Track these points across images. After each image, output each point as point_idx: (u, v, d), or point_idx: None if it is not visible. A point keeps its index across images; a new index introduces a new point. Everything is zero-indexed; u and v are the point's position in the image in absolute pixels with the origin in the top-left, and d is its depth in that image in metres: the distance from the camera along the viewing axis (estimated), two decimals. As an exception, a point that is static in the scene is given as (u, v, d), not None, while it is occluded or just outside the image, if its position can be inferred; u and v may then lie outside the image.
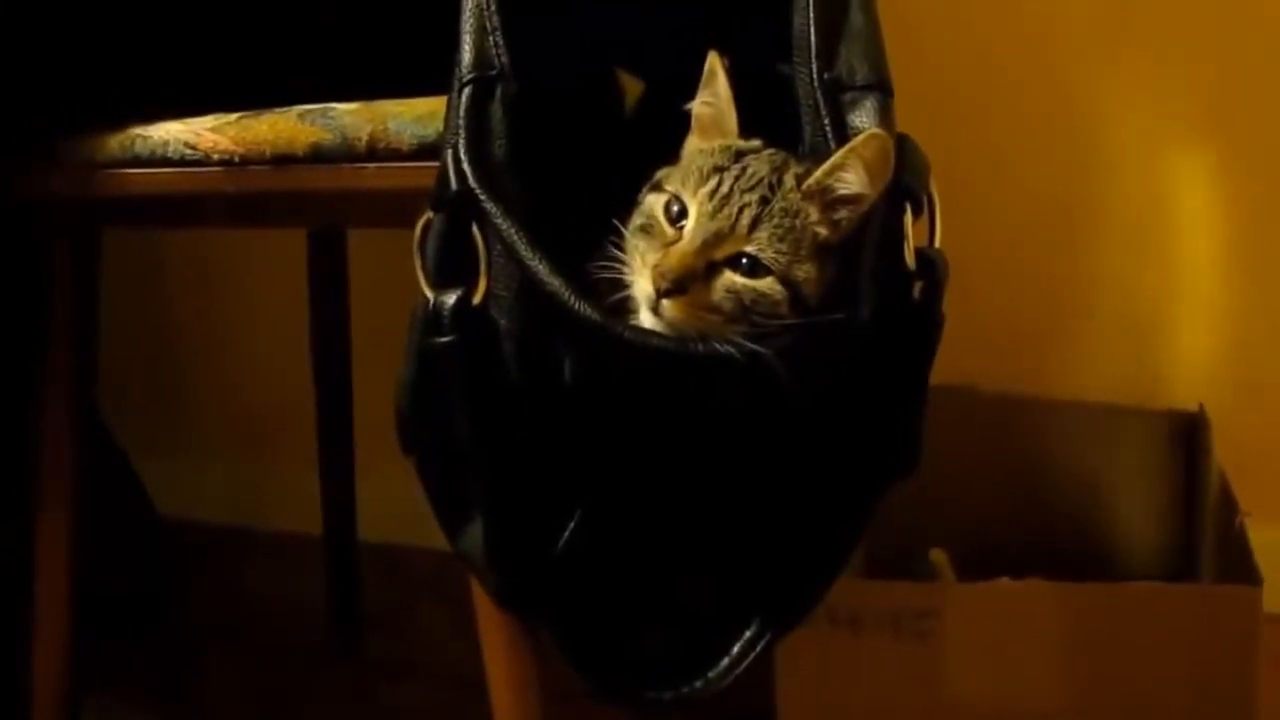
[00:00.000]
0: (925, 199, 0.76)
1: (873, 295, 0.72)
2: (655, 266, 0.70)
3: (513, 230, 0.70)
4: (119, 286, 1.53)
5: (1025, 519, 1.37)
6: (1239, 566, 1.10)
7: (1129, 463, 1.37)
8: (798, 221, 0.72)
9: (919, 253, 0.75)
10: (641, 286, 0.71)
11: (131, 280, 1.73)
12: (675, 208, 0.73)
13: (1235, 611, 1.05)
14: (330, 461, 1.45)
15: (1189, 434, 1.35)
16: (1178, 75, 1.46)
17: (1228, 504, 1.19)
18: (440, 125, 0.80)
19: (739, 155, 0.74)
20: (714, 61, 0.76)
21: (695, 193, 0.72)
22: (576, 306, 0.68)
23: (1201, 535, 1.28)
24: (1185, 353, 1.50)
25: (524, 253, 0.69)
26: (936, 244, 0.77)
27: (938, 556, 1.31)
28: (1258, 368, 1.48)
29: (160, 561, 1.63)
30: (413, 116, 0.90)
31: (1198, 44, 1.45)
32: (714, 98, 0.76)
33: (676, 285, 0.69)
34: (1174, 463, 1.35)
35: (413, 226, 0.75)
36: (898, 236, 0.74)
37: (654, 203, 0.74)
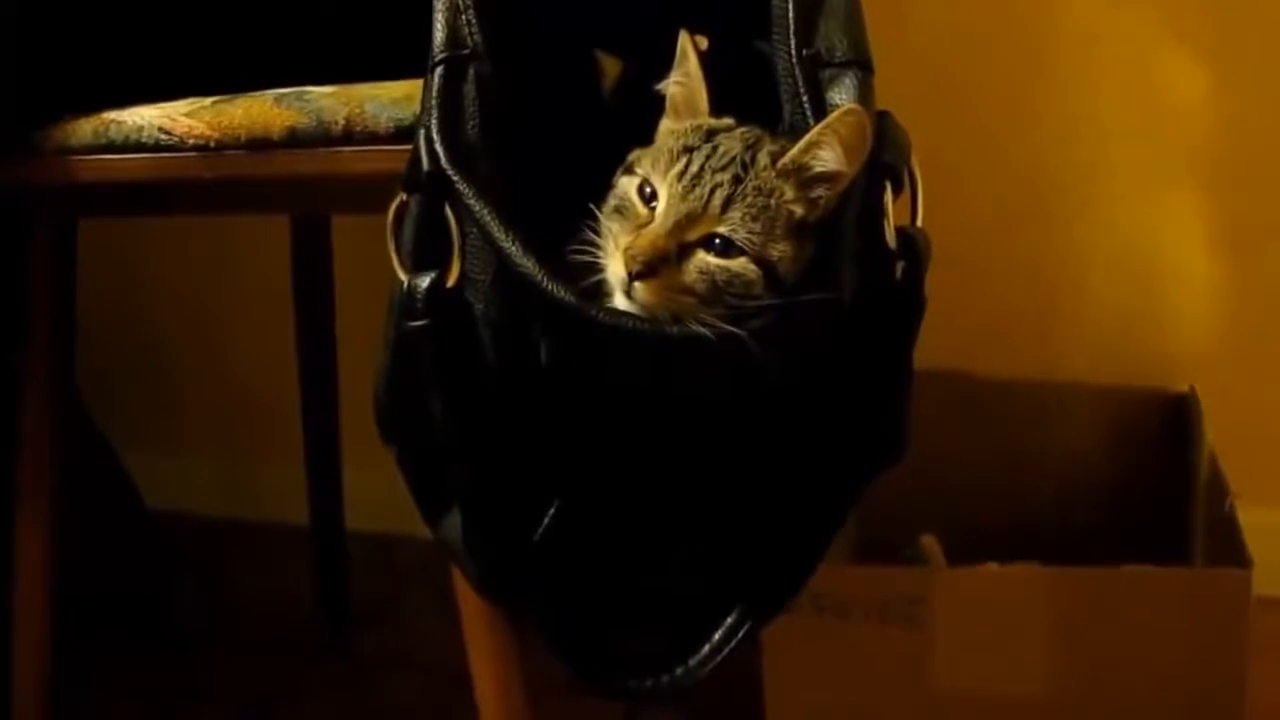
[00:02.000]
0: (906, 176, 0.75)
1: (853, 275, 0.71)
2: (626, 249, 0.69)
3: (486, 212, 0.69)
4: (104, 281, 1.53)
5: (1015, 502, 1.37)
6: (1229, 549, 1.09)
7: (1119, 445, 1.36)
8: (772, 200, 0.71)
9: (900, 231, 0.74)
10: (614, 269, 0.70)
11: (116, 275, 1.72)
12: (647, 190, 0.72)
13: (1225, 594, 1.04)
14: (316, 451, 1.44)
15: (1179, 415, 1.34)
16: (1167, 55, 1.45)
17: (1218, 486, 1.19)
18: (418, 107, 0.79)
19: (710, 134, 0.73)
20: (685, 41, 0.75)
21: (665, 174, 0.71)
22: (550, 289, 0.67)
23: (1192, 517, 1.28)
24: (1175, 334, 1.49)
25: (497, 234, 0.68)
26: (918, 223, 0.76)
27: (928, 541, 1.31)
28: (1248, 349, 1.48)
29: (149, 557, 1.62)
30: (390, 99, 0.89)
31: (1188, 22, 1.44)
32: (686, 77, 0.76)
33: (648, 267, 0.68)
34: (1164, 444, 1.35)
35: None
36: (878, 215, 0.73)
37: (626, 185, 0.73)
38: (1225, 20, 1.43)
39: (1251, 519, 1.13)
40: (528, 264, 0.67)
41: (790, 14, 0.76)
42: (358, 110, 0.89)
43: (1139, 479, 1.36)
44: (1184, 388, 1.34)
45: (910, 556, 1.30)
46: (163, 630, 1.53)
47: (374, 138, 0.88)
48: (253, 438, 1.79)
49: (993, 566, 1.12)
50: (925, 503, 1.33)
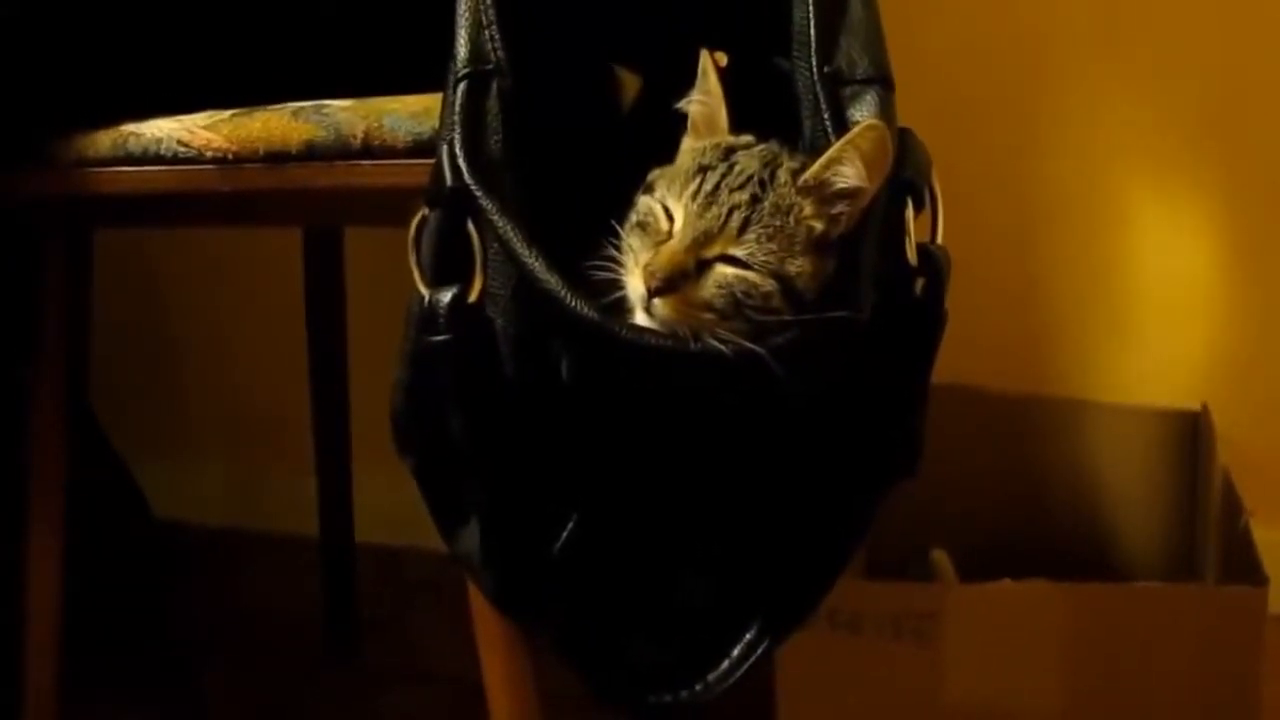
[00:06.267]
0: (927, 193, 0.75)
1: (873, 292, 0.72)
2: (646, 266, 0.69)
3: (509, 227, 0.69)
4: (115, 288, 1.53)
5: (1027, 519, 1.37)
6: (1244, 567, 1.09)
7: (1132, 462, 1.36)
8: (790, 218, 0.71)
9: (921, 248, 0.74)
10: (634, 286, 0.70)
11: (127, 282, 1.72)
12: (666, 208, 0.72)
13: (1240, 612, 1.04)
14: (327, 463, 1.44)
15: (1192, 433, 1.34)
16: (1179, 70, 1.45)
17: (1231, 503, 1.19)
18: (436, 122, 0.80)
19: (728, 152, 0.73)
20: (705, 60, 0.75)
21: (681, 193, 0.71)
22: (574, 305, 0.67)
23: (1205, 535, 1.28)
24: (1188, 351, 1.49)
25: (520, 250, 0.68)
26: (939, 239, 0.76)
27: (939, 557, 1.31)
28: (1261, 366, 1.47)
29: (157, 566, 1.62)
30: (408, 113, 0.89)
31: (1199, 39, 1.44)
32: (706, 96, 0.76)
33: (667, 284, 0.69)
34: (1177, 462, 1.35)
35: (408, 224, 0.74)
36: (899, 232, 0.73)
37: (646, 203, 0.73)
38: (1235, 37, 1.43)
39: (1264, 537, 1.13)
40: (551, 281, 0.67)
41: (811, 31, 0.77)
42: (376, 124, 0.89)
43: (1151, 496, 1.36)
44: (1196, 405, 1.33)
45: (920, 572, 1.30)
46: (170, 640, 1.53)
47: (392, 151, 0.89)
48: (263, 448, 1.79)
49: (1006, 582, 1.11)
50: (935, 518, 1.33)
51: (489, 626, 0.91)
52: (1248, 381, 1.46)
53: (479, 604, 0.90)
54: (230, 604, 1.63)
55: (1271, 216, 1.46)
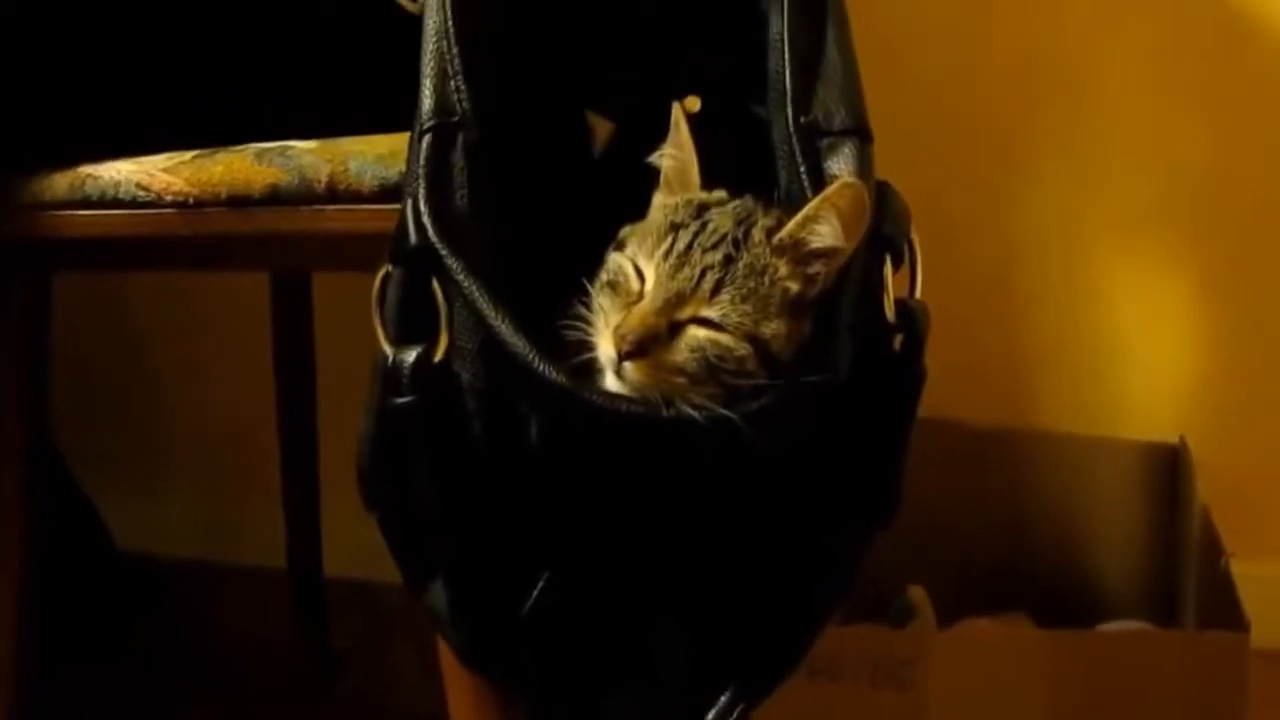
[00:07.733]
0: (906, 248, 0.74)
1: (850, 351, 0.70)
2: (616, 328, 0.68)
3: (475, 288, 0.67)
4: (83, 322, 1.51)
5: (1005, 553, 1.36)
6: (1225, 609, 1.08)
7: (1110, 496, 1.35)
8: (765, 279, 0.69)
9: (899, 304, 0.73)
10: (604, 349, 0.69)
11: (96, 315, 1.70)
12: (637, 267, 0.70)
13: (1223, 657, 1.03)
14: (295, 496, 1.42)
15: (1171, 465, 1.33)
16: (1157, 108, 1.45)
17: (1210, 538, 1.18)
18: (402, 165, 0.77)
19: (701, 209, 0.72)
20: (677, 113, 0.74)
21: (653, 253, 0.70)
22: (541, 370, 0.65)
23: (1185, 566, 1.27)
24: (1166, 384, 1.48)
25: (487, 312, 0.67)
26: (918, 294, 0.74)
27: (916, 594, 1.29)
28: (1239, 399, 1.47)
29: (122, 599, 1.59)
30: (374, 156, 0.87)
31: (1176, 78, 1.44)
32: (678, 150, 0.74)
33: (638, 347, 0.67)
34: (1157, 494, 1.34)
35: (375, 270, 0.72)
36: (877, 288, 0.72)
37: (616, 262, 0.71)
38: (1215, 71, 1.43)
39: (1244, 571, 1.12)
40: (519, 344, 0.65)
41: (787, 80, 0.75)
42: (341, 168, 0.87)
43: (1130, 529, 1.35)
44: (1174, 438, 1.33)
45: (900, 609, 1.28)
46: (139, 673, 1.50)
47: (357, 196, 0.87)
48: (231, 481, 1.77)
49: (986, 625, 1.10)
50: (913, 553, 1.31)
51: (456, 677, 0.90)
52: (1226, 414, 1.46)
53: (448, 656, 0.88)
54: (201, 637, 1.60)
55: (1248, 250, 1.46)
